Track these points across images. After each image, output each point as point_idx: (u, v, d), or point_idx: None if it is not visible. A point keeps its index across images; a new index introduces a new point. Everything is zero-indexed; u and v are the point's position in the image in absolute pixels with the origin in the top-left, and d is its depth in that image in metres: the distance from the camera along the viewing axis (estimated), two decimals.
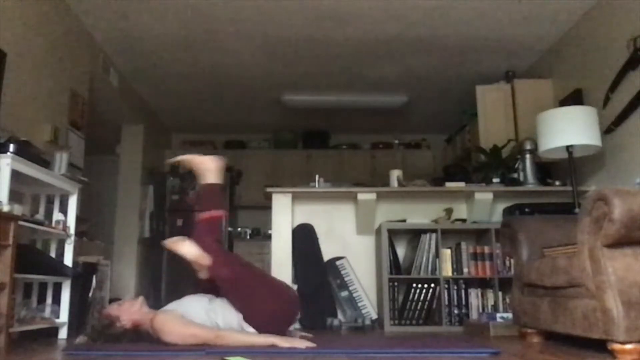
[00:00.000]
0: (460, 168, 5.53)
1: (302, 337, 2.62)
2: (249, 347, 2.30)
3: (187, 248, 2.53)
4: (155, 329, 2.40)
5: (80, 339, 2.54)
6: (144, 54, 4.93)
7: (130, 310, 2.50)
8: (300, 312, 2.62)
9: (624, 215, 1.90)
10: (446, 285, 3.76)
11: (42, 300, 3.12)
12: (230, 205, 6.55)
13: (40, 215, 3.12)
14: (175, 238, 2.59)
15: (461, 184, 4.10)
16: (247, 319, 2.49)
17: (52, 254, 3.22)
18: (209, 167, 2.78)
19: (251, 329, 2.49)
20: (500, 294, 3.74)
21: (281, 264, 3.86)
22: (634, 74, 3.56)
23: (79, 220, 3.46)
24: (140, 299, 2.58)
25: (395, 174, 4.17)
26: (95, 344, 2.43)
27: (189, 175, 6.55)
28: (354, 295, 3.91)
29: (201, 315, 2.50)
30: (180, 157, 2.85)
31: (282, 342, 2.31)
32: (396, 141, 7.31)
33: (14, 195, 2.74)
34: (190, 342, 2.32)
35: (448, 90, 5.83)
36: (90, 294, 3.53)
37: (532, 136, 4.06)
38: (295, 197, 4.09)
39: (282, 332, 2.56)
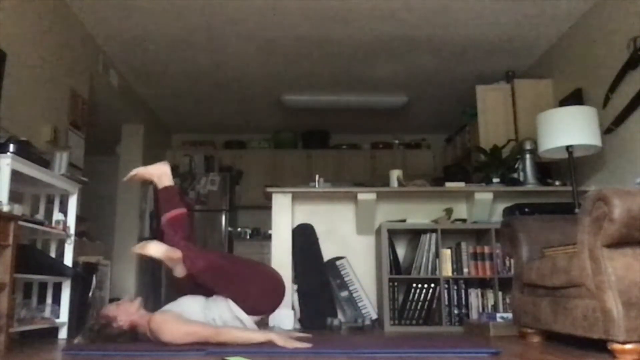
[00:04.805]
0: (460, 168, 5.53)
1: (299, 338, 2.62)
2: (247, 342, 2.31)
3: (153, 248, 2.57)
4: (152, 330, 2.40)
5: (78, 340, 2.54)
6: (144, 54, 4.93)
7: (128, 311, 2.51)
8: (284, 296, 2.69)
9: (624, 215, 1.90)
10: (446, 285, 3.76)
11: (42, 300, 3.12)
12: (230, 205, 6.56)
13: (40, 215, 3.11)
14: (140, 243, 2.65)
15: (461, 184, 4.10)
16: (238, 304, 2.53)
17: (52, 254, 3.22)
18: (160, 172, 2.86)
19: (244, 315, 2.52)
20: (500, 294, 3.74)
21: (281, 264, 3.86)
22: (634, 74, 3.56)
23: (79, 220, 3.46)
24: (138, 300, 2.59)
25: (395, 174, 4.16)
26: (94, 344, 2.43)
27: (190, 176, 6.58)
28: (354, 295, 3.91)
29: (198, 314, 2.51)
30: (131, 173, 2.89)
31: (279, 339, 2.31)
32: (396, 141, 7.32)
33: (14, 195, 2.74)
34: (188, 341, 2.32)
35: (448, 90, 5.83)
36: (90, 294, 3.52)
37: (532, 136, 4.06)
38: (295, 197, 4.09)
39: (273, 311, 2.66)
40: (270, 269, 2.77)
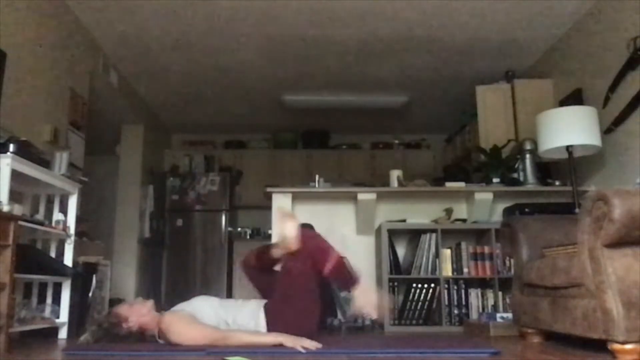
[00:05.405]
0: (460, 168, 5.54)
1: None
2: (256, 345, 2.30)
3: (292, 226, 2.55)
4: (162, 329, 2.40)
5: (84, 338, 2.53)
6: (144, 54, 4.93)
7: (140, 312, 2.50)
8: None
9: (624, 215, 1.90)
10: (446, 285, 3.76)
11: (42, 300, 3.12)
12: (230, 205, 6.56)
13: (40, 215, 3.12)
14: (290, 212, 2.63)
15: (461, 184, 4.10)
16: (273, 316, 2.49)
17: (52, 254, 3.22)
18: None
19: (263, 331, 2.49)
20: (500, 294, 3.74)
21: None
22: (634, 74, 3.56)
23: (79, 220, 3.46)
24: (151, 302, 2.58)
25: (395, 174, 4.16)
26: (97, 344, 2.43)
27: (190, 176, 6.57)
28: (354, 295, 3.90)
29: (210, 315, 2.51)
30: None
31: (289, 341, 2.30)
32: (396, 141, 7.31)
33: (14, 195, 2.74)
34: (196, 342, 2.31)
35: (448, 90, 5.83)
36: (90, 294, 3.53)
37: (532, 136, 4.05)
38: (295, 197, 4.09)
39: None
40: (316, 318, 2.61)
